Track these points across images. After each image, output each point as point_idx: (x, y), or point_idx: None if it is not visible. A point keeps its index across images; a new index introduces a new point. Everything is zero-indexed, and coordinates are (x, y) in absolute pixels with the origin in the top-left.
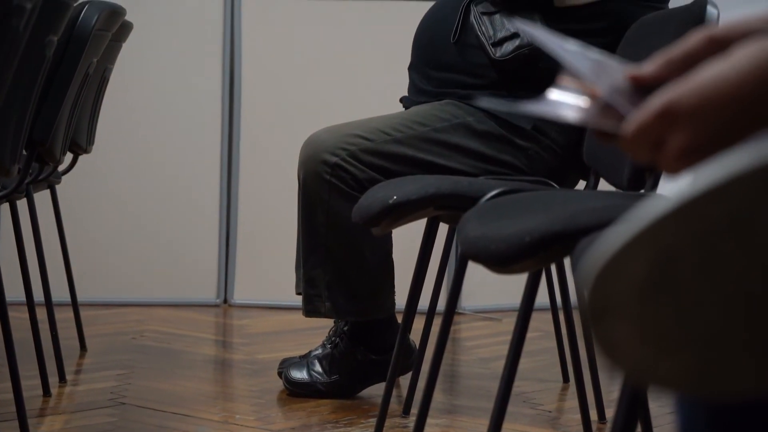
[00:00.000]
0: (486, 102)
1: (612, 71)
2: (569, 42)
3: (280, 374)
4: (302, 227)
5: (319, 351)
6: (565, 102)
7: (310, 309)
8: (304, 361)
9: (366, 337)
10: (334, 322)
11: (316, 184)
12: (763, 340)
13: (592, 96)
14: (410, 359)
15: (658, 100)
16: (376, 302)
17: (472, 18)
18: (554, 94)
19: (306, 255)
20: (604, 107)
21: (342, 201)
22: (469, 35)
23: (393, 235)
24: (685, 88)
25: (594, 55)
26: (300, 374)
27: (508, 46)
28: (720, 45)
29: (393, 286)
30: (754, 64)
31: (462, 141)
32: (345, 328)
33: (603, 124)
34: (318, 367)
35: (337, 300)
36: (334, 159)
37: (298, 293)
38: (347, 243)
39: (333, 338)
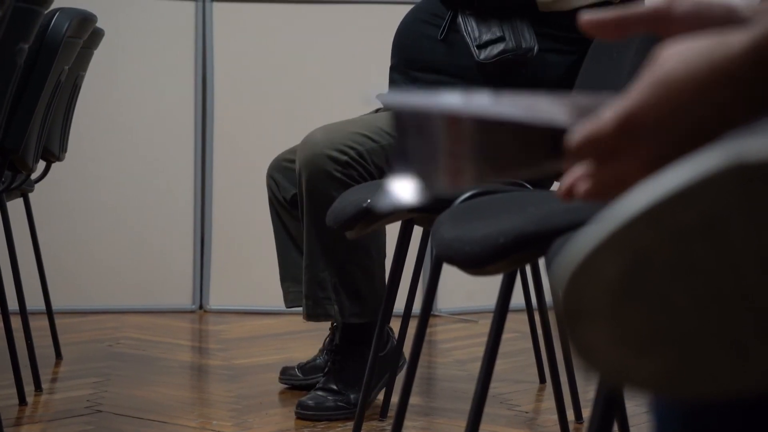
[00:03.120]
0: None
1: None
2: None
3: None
4: (309, 229)
5: (323, 379)
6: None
7: (320, 312)
8: (320, 394)
9: (365, 337)
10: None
11: (325, 183)
12: (738, 340)
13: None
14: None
15: (616, 111)
16: (376, 303)
17: (459, 18)
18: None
19: (313, 258)
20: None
21: None
22: (457, 35)
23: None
24: (648, 93)
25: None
26: (319, 402)
27: (493, 50)
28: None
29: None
30: (719, 64)
31: None
32: (336, 344)
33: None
34: (333, 389)
35: (344, 302)
36: (345, 157)
37: (290, 306)
38: (356, 243)
39: (334, 358)
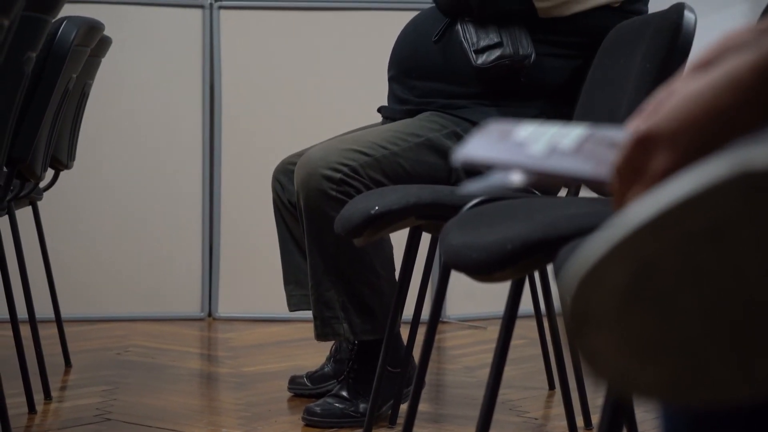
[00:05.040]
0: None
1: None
2: (522, 129)
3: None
4: (311, 249)
5: (337, 386)
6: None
7: (329, 332)
8: (328, 400)
9: (378, 353)
10: (335, 350)
11: (322, 203)
12: (744, 347)
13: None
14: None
15: (635, 129)
16: (387, 317)
17: (458, 25)
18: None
19: (318, 277)
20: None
21: None
22: (454, 41)
23: None
24: (662, 112)
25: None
26: (326, 408)
27: (490, 55)
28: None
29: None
30: (728, 78)
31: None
32: (353, 353)
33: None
34: (343, 397)
35: (353, 320)
36: (339, 175)
37: (293, 309)
38: (359, 260)
39: (351, 366)
